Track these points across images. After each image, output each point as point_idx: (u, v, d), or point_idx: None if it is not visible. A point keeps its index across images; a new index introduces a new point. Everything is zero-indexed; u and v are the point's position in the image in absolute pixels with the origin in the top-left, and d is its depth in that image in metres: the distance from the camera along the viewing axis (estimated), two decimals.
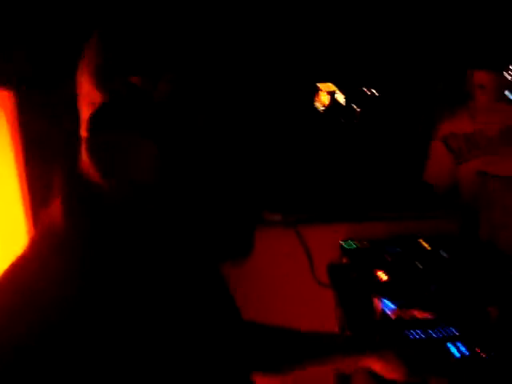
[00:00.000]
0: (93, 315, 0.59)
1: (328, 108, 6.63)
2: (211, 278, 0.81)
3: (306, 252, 1.73)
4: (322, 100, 7.08)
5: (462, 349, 1.15)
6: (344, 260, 1.87)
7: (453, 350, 1.16)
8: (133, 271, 0.65)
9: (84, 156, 0.64)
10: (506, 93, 2.27)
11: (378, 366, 1.01)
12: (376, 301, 1.41)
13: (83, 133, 0.63)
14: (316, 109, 4.92)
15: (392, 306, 1.37)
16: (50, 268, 0.62)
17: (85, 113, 0.64)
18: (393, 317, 1.35)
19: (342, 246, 1.95)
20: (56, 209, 0.67)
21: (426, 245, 1.87)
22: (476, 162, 2.32)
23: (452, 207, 2.27)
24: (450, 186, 2.41)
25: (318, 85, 7.15)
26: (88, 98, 0.63)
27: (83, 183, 0.65)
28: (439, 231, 1.98)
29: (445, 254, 1.76)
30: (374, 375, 1.02)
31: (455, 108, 2.55)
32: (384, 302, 1.39)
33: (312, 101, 4.44)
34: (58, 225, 0.65)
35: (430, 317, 1.34)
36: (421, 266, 1.66)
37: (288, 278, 2.12)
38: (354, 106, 6.20)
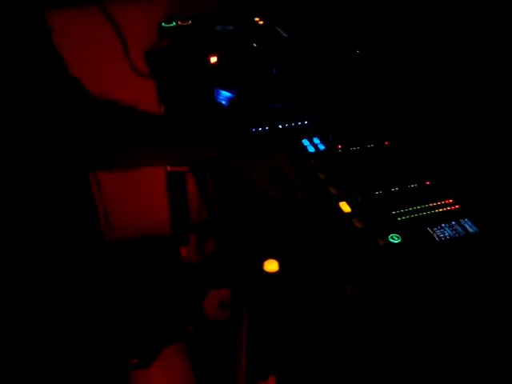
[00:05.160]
0: None
1: None
2: None
3: (119, 36, 1.59)
4: None
5: (317, 142, 0.96)
6: (164, 43, 1.57)
7: (307, 144, 0.97)
8: None
9: None
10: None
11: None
12: (208, 90, 1.15)
13: None
14: None
15: (228, 95, 1.12)
16: None
17: None
18: (229, 107, 1.11)
19: (161, 26, 1.61)
20: None
21: (261, 22, 1.60)
22: None
23: None
24: None
25: None
26: None
27: None
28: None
29: (283, 33, 1.51)
30: None
31: None
32: (218, 91, 1.13)
33: None
34: None
35: None
36: (256, 46, 1.40)
37: (100, 66, 1.84)
38: None
